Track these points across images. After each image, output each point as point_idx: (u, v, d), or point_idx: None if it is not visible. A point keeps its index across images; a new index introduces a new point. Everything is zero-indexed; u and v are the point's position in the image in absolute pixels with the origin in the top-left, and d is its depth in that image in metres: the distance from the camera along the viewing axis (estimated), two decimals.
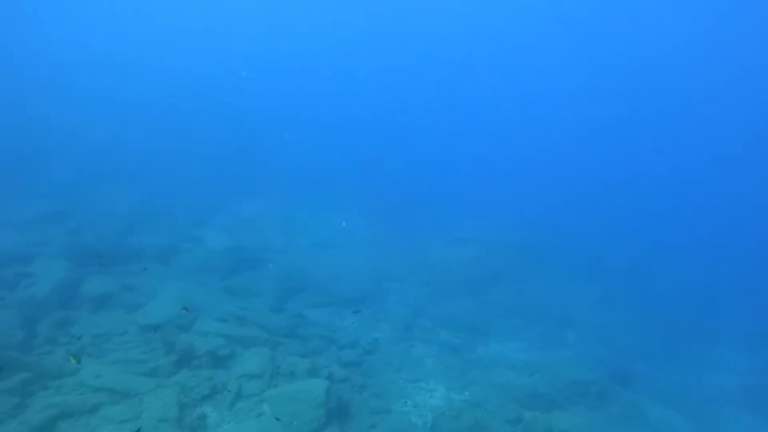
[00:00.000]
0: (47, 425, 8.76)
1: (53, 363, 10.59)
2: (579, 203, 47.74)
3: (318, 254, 24.24)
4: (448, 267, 25.03)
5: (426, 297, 22.26)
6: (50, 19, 57.54)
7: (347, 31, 78.53)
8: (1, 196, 21.08)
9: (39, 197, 21.46)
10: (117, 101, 41.70)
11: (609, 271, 30.51)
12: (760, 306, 28.89)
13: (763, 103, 62.06)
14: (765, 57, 58.80)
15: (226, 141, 42.55)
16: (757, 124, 62.33)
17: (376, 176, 42.64)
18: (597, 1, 65.41)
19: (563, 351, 19.75)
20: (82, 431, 8.76)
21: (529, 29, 72.26)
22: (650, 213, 49.58)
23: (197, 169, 34.48)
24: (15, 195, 21.52)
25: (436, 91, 76.14)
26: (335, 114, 64.12)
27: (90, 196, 24.31)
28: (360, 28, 78.42)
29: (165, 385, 10.40)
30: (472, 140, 65.10)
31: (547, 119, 70.00)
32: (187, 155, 36.59)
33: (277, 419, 10.08)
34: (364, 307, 19.69)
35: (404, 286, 23.20)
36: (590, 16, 67.13)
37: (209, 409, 10.24)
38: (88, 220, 20.37)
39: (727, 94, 64.59)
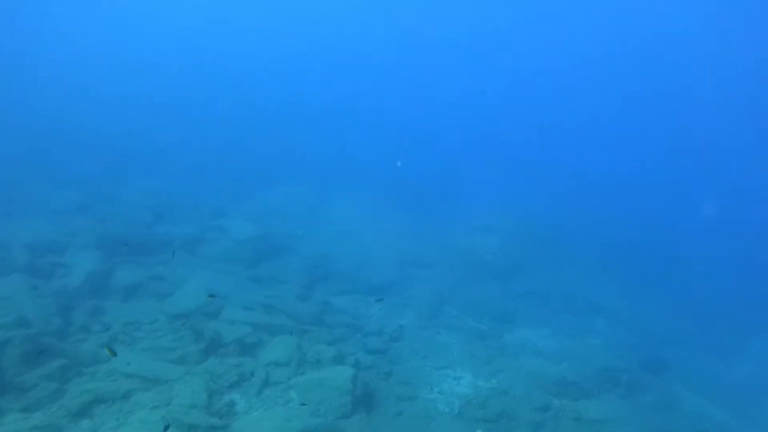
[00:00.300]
0: (84, 410, 9.04)
1: (87, 350, 10.90)
2: (605, 190, 46.77)
3: (343, 242, 24.29)
4: (473, 254, 24.81)
5: (451, 284, 22.11)
6: (71, 20, 58.76)
7: (370, 22, 77.81)
8: (34, 188, 21.67)
9: (68, 189, 21.97)
10: (141, 96, 42.45)
11: (639, 257, 29.84)
12: None
13: None
14: None
15: (250, 131, 42.93)
16: None
17: (402, 165, 42.48)
18: None
19: (592, 338, 19.43)
20: (116, 416, 8.99)
21: (552, 15, 70.23)
22: (681, 198, 48.24)
23: (221, 159, 34.90)
24: (46, 187, 22.08)
25: (460, 81, 75.09)
26: (360, 104, 64.09)
27: (117, 187, 24.79)
28: (383, 20, 77.61)
29: (194, 372, 10.59)
30: (496, 128, 64.19)
31: (570, 107, 68.45)
32: (211, 146, 37.07)
33: (303, 404, 10.17)
34: (389, 295, 19.68)
35: (429, 273, 23.10)
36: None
37: (237, 396, 10.38)
38: (116, 211, 20.76)
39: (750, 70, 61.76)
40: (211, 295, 12.00)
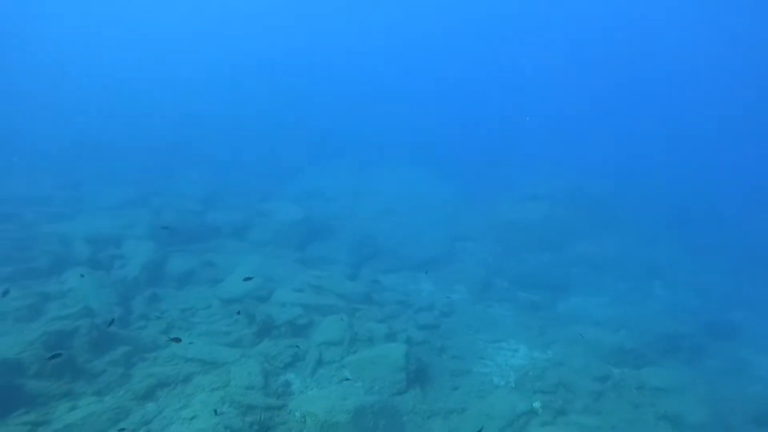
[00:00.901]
0: (148, 393, 9.41)
1: (148, 337, 11.34)
2: (656, 150, 44.54)
3: (389, 219, 24.26)
4: (522, 224, 24.21)
5: (501, 255, 21.74)
6: (116, 26, 60.62)
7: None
8: (92, 187, 22.71)
9: (123, 185, 22.90)
10: (183, 92, 43.44)
11: (697, 217, 28.33)
12: None
13: None
14: None
15: (290, 116, 43.27)
16: None
17: (444, 136, 41.85)
18: None
19: (651, 304, 18.69)
20: (178, 399, 9.31)
21: None
22: (737, 155, 45.38)
23: (265, 145, 35.36)
24: (104, 184, 23.12)
25: (505, 44, 72.41)
26: (400, 79, 63.29)
27: (168, 180, 25.63)
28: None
29: (249, 354, 10.82)
30: (542, 92, 61.82)
31: (616, 65, 64.76)
32: (254, 133, 37.59)
33: (346, 380, 10.26)
34: (438, 269, 19.56)
35: (478, 246, 22.76)
36: None
37: (292, 376, 10.56)
38: (168, 203, 21.50)
39: None
40: (247, 278, 12.28)
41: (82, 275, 12.56)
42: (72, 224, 16.97)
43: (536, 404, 10.51)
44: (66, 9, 60.41)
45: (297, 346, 11.33)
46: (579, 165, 34.56)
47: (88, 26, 59.38)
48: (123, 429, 8.19)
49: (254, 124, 39.77)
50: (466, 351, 13.12)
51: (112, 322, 10.35)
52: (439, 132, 43.14)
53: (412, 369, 10.79)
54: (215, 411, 8.59)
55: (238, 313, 12.29)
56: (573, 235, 23.99)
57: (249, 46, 64.02)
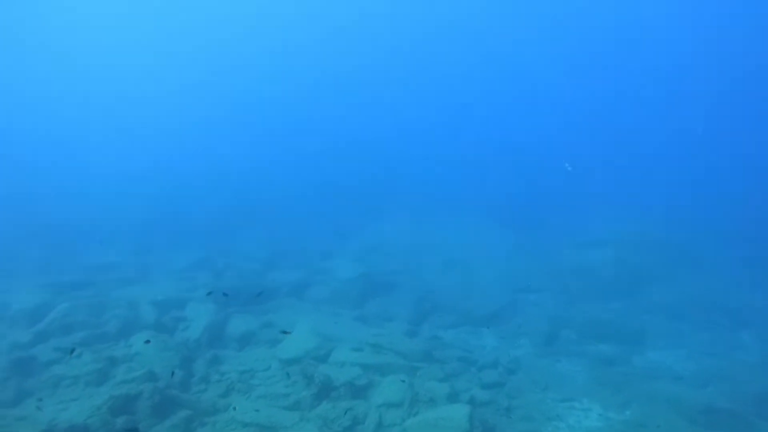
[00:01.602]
0: None
1: (208, 400, 11.36)
2: (728, 184, 41.93)
3: (448, 272, 23.83)
4: (586, 271, 23.08)
5: (567, 305, 20.62)
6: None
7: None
8: (161, 250, 23.90)
9: (189, 248, 23.93)
10: (242, 151, 45.78)
11: None
12: None
13: None
14: None
15: (346, 174, 44.37)
16: None
17: (501, 184, 41.42)
18: None
19: (740, 356, 16.95)
20: None
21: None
22: None
23: (323, 203, 36.20)
24: (171, 248, 24.28)
25: (562, 83, 71.91)
26: (452, 129, 64.02)
27: (231, 241, 26.56)
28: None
29: (307, 418, 10.57)
30: (600, 131, 60.29)
31: (682, 96, 62.30)
32: (311, 191, 38.70)
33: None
34: (500, 323, 18.80)
35: (541, 297, 21.75)
36: None
37: None
38: (230, 264, 22.17)
39: None
40: (284, 331, 12.21)
41: (147, 341, 12.91)
42: (140, 289, 17.74)
43: None
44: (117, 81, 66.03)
45: (365, 417, 10.92)
46: (641, 207, 33.03)
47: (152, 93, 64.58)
48: None
49: (315, 182, 41.02)
50: (534, 411, 12.27)
51: (172, 375, 10.50)
52: (496, 180, 42.74)
53: None
54: None
55: (288, 376, 12.23)
56: (644, 281, 22.58)
57: (307, 105, 67.06)
